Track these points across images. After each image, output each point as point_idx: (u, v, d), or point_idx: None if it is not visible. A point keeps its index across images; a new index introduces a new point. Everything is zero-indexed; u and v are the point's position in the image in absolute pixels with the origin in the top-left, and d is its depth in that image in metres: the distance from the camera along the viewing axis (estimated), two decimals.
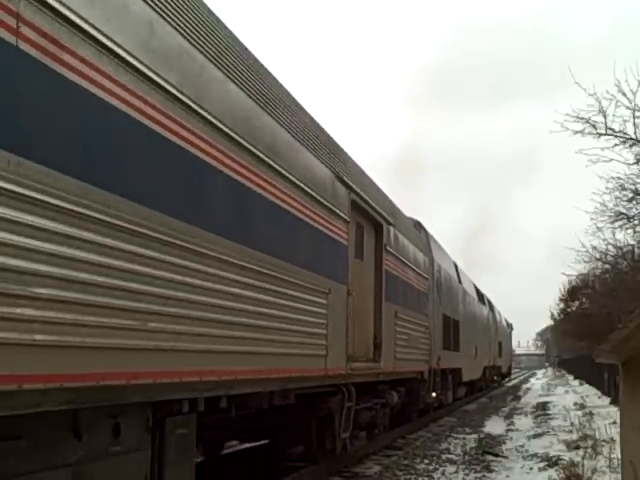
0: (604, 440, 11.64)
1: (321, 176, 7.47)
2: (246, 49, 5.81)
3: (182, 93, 4.50)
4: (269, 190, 5.96)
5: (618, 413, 7.41)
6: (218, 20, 5.27)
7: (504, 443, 13.54)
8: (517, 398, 29.54)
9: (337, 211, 7.95)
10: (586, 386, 34.52)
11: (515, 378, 56.63)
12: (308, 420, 8.20)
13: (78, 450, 3.84)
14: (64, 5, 3.42)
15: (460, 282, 20.57)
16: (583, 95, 13.92)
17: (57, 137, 3.41)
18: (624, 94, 13.69)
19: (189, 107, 4.58)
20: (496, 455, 11.73)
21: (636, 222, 17.55)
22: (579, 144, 16.48)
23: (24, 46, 3.18)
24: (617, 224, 17.66)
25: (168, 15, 4.43)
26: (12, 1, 3.12)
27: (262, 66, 6.15)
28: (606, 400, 22.55)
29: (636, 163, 15.38)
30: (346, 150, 8.83)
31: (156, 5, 4.29)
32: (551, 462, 10.52)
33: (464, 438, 14.06)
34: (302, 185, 6.75)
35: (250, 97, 5.66)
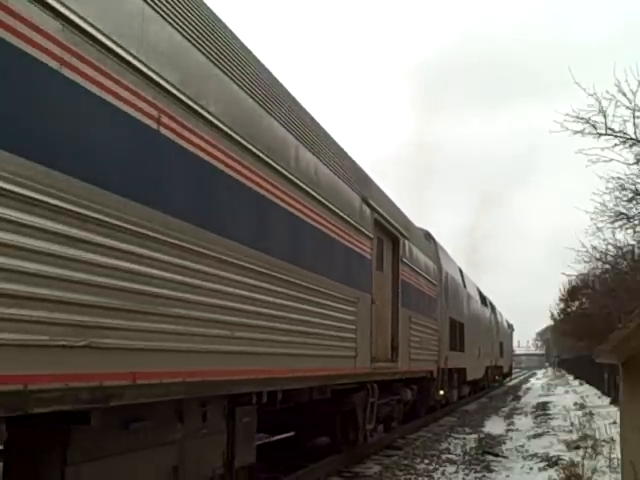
0: (604, 440, 11.64)
1: (351, 201, 8.71)
2: (289, 93, 6.79)
3: (249, 142, 5.48)
4: (314, 218, 7.14)
5: (618, 413, 7.42)
6: (277, 81, 6.44)
7: (504, 443, 13.54)
8: (517, 398, 29.55)
9: (363, 230, 9.13)
10: (586, 386, 34.52)
11: (515, 378, 57.23)
12: (334, 414, 9.15)
13: (181, 431, 5.01)
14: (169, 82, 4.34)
15: (465, 286, 21.73)
16: (583, 95, 13.91)
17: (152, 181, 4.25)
18: (624, 94, 13.68)
19: (255, 155, 5.57)
20: (496, 455, 11.74)
21: (636, 222, 17.55)
22: (579, 144, 16.45)
23: (164, 132, 4.29)
24: (617, 224, 17.64)
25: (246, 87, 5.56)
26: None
27: (302, 108, 7.17)
28: (606, 400, 22.55)
29: (636, 163, 15.37)
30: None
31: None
32: (551, 462, 10.52)
33: (464, 438, 14.07)
34: (338, 211, 7.95)
35: (295, 137, 6.70)
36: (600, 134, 14.28)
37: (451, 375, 17.80)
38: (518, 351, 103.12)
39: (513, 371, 55.79)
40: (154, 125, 4.21)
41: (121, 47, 3.87)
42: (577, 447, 11.74)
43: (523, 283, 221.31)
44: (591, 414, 17.51)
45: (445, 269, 17.34)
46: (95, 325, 3.61)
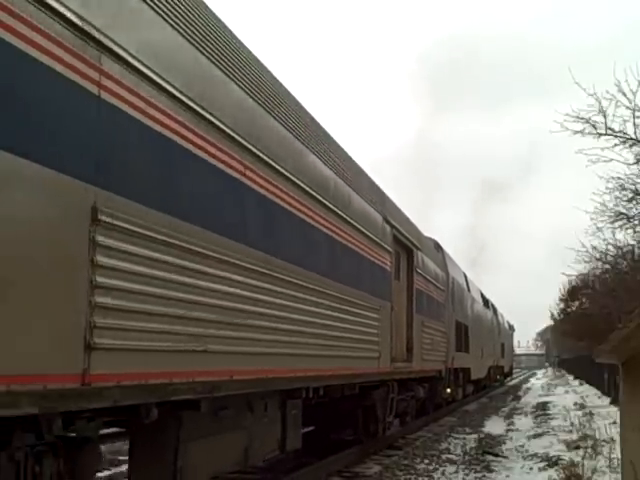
0: (604, 440, 11.65)
1: (375, 221, 9.92)
2: (327, 134, 8.03)
3: (301, 181, 6.69)
4: (348, 239, 8.38)
5: (618, 413, 7.41)
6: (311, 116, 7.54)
7: (504, 443, 13.55)
8: (517, 398, 29.55)
9: (385, 245, 10.28)
10: (586, 386, 34.53)
11: (515, 378, 57.78)
12: (356, 408, 10.24)
13: (250, 419, 6.18)
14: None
15: (469, 290, 23.01)
16: (583, 96, 13.91)
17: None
18: (624, 94, 13.68)
19: (289, 179, 6.39)
20: (496, 455, 11.74)
21: (636, 222, 17.55)
22: (579, 144, 16.44)
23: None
24: (617, 224, 17.65)
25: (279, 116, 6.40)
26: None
27: (339, 146, 8.46)
28: (606, 400, 22.55)
29: (636, 163, 15.37)
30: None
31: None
32: (551, 462, 10.52)
33: (464, 438, 14.07)
34: (365, 231, 9.10)
35: (333, 172, 7.88)
36: (600, 134, 14.30)
37: (457, 374, 18.81)
38: (518, 351, 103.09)
39: (513, 371, 56.84)
40: (243, 179, 5.41)
41: (231, 128, 5.17)
42: (577, 447, 11.74)
43: (523, 283, 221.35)
44: (591, 414, 17.52)
45: (452, 275, 18.55)
46: (208, 335, 4.77)
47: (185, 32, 4.66)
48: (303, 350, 6.67)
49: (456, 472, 10.07)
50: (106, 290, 3.72)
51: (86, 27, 3.60)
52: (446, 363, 16.21)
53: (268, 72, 6.23)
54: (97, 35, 3.68)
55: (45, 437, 3.73)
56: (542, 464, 10.56)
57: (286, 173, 6.31)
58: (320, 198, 7.28)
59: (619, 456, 6.49)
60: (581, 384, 38.15)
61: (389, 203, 11.10)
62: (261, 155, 5.74)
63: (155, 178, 4.24)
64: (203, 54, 4.88)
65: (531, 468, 10.43)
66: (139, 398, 4.15)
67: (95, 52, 3.69)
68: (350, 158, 9.03)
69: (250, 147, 5.51)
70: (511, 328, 48.75)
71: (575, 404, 22.33)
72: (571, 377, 50.92)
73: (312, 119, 7.51)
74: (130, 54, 3.96)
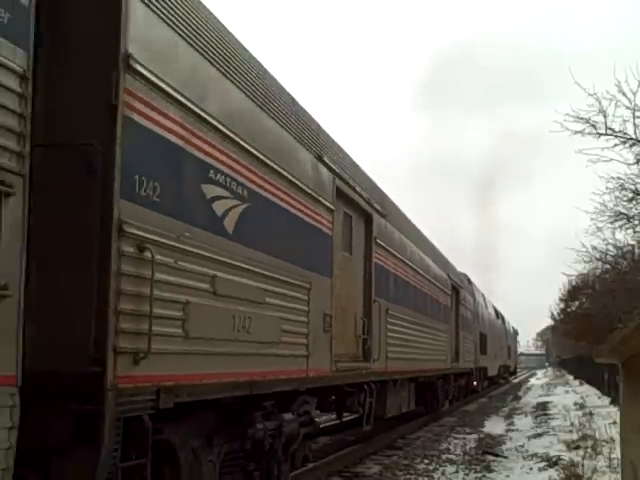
0: (604, 440, 11.65)
1: (441, 277, 16.13)
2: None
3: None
4: (418, 281, 12.89)
5: (618, 413, 7.41)
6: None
7: (504, 443, 13.55)
8: (517, 398, 29.55)
9: (444, 290, 16.54)
10: (586, 386, 34.50)
11: (519, 376, 61.24)
12: (424, 391, 15.11)
13: (404, 390, 12.13)
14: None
15: (486, 307, 29.40)
16: (582, 97, 13.92)
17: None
18: (624, 94, 13.69)
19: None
20: (496, 455, 11.74)
21: (636, 222, 17.55)
22: (579, 144, 16.43)
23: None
24: (617, 224, 17.66)
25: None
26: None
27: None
28: (606, 400, 22.54)
29: (636, 163, 15.37)
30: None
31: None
32: (551, 462, 10.51)
33: (464, 438, 14.07)
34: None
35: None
36: (600, 134, 14.30)
37: (479, 372, 24.91)
38: (518, 351, 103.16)
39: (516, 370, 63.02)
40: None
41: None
42: (577, 447, 11.74)
43: (523, 283, 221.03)
44: (591, 414, 17.50)
45: (477, 299, 25.15)
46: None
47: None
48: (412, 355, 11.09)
49: (456, 472, 10.07)
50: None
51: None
52: (475, 363, 22.78)
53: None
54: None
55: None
56: (542, 464, 10.55)
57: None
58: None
59: (619, 456, 6.49)
60: (581, 384, 38.13)
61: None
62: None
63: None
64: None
65: (531, 468, 10.42)
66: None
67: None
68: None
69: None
70: (515, 332, 56.05)
71: (575, 404, 22.32)
72: (571, 377, 50.90)
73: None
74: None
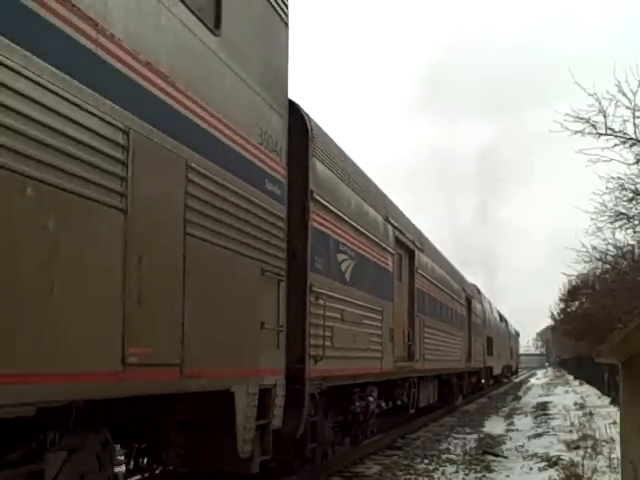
0: (604, 440, 11.64)
1: (457, 291, 19.22)
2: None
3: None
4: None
5: (618, 413, 7.41)
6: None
7: (504, 443, 13.54)
8: (517, 398, 29.55)
9: (460, 302, 20.08)
10: (586, 386, 34.52)
11: (520, 375, 63.28)
12: (440, 386, 17.13)
13: (430, 384, 15.30)
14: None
15: (492, 312, 32.91)
16: (582, 98, 13.91)
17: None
18: (624, 94, 13.68)
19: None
20: (496, 455, 11.74)
21: (636, 222, 17.54)
22: (579, 144, 16.43)
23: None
24: (617, 224, 17.64)
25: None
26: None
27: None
28: (606, 400, 22.54)
29: (636, 163, 15.36)
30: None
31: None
32: (551, 462, 10.51)
33: (464, 438, 14.07)
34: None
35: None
36: (600, 134, 14.30)
37: (486, 371, 28.52)
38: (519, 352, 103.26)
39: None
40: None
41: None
42: (577, 447, 11.74)
43: (523, 283, 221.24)
44: (591, 414, 17.51)
45: (485, 307, 28.72)
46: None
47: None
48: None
49: (456, 472, 10.07)
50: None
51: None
52: (483, 363, 26.25)
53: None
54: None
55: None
56: (542, 464, 10.55)
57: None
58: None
59: (619, 456, 6.49)
60: (581, 384, 38.14)
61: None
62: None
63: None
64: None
65: (531, 468, 10.42)
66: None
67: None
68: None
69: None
70: (517, 334, 60.32)
71: (575, 404, 22.32)
72: (571, 377, 50.92)
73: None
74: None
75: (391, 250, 10.96)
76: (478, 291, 27.05)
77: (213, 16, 5.02)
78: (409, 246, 12.70)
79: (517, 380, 54.05)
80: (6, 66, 3.03)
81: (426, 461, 10.92)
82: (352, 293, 8.63)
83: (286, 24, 6.42)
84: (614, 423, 12.77)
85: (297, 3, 7.37)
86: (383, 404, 12.26)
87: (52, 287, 3.26)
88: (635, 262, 21.71)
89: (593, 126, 14.21)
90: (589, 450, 11.01)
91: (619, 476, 6.37)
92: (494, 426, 16.95)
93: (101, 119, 3.65)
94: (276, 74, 6.25)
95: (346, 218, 8.56)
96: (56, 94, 3.33)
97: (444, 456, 11.52)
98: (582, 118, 14.20)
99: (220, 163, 4.96)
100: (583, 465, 9.15)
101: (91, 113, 3.57)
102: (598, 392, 27.28)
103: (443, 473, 9.97)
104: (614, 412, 14.99)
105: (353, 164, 9.58)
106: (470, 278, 26.40)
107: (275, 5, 6.18)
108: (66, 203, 3.37)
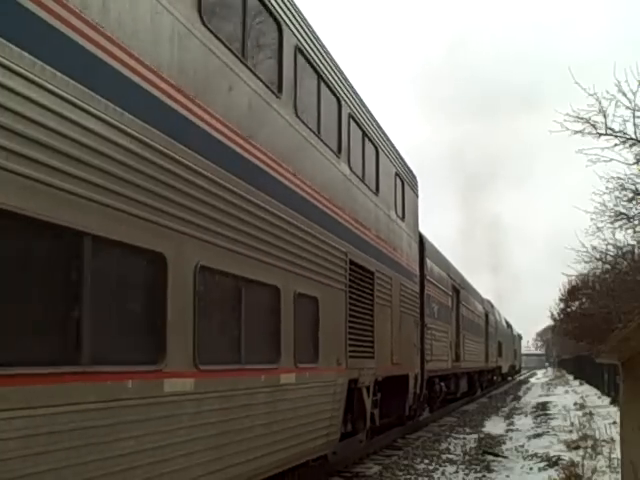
0: (604, 440, 11.65)
1: (480, 311, 28.15)
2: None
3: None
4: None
5: (618, 413, 7.42)
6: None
7: (504, 443, 13.55)
8: (517, 398, 29.57)
9: (481, 317, 28.88)
10: (586, 386, 34.53)
11: (522, 374, 67.46)
12: (469, 380, 24.44)
13: (462, 380, 23.71)
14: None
15: (500, 320, 39.09)
16: (582, 98, 13.90)
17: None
18: (624, 94, 13.67)
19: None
20: (496, 455, 11.74)
21: (636, 222, 17.56)
22: (579, 144, 16.43)
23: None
24: (617, 224, 17.66)
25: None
26: None
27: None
28: (606, 400, 22.56)
29: (636, 163, 15.36)
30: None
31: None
32: (551, 462, 10.52)
33: (464, 438, 14.08)
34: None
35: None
36: (600, 134, 14.29)
37: (497, 369, 35.82)
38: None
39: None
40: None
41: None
42: (577, 447, 11.75)
43: (523, 283, 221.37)
44: (591, 414, 17.52)
45: (495, 317, 35.01)
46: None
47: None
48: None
49: (456, 472, 10.07)
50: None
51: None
52: (495, 363, 33.13)
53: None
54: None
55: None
56: (542, 464, 10.56)
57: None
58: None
59: (619, 456, 6.49)
60: (581, 384, 38.15)
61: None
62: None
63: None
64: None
65: (531, 468, 10.43)
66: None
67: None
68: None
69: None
70: (520, 337, 67.50)
71: (575, 404, 22.34)
72: (571, 377, 50.94)
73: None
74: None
75: (450, 293, 18.90)
76: (491, 305, 34.54)
77: (401, 210, 12.12)
78: (456, 286, 20.86)
79: (518, 379, 56.64)
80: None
81: (426, 461, 10.93)
82: (437, 323, 16.00)
83: (417, 195, 13.77)
84: (614, 423, 12.77)
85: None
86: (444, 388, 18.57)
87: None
88: (635, 262, 21.71)
89: (593, 126, 14.21)
90: (589, 450, 11.02)
91: (619, 476, 6.37)
92: (494, 426, 16.96)
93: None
94: (415, 224, 13.44)
95: (436, 283, 16.17)
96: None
97: (444, 456, 11.53)
98: (582, 118, 14.20)
99: (404, 274, 11.99)
100: (583, 465, 9.15)
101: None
102: (598, 392, 27.29)
103: (443, 473, 9.97)
104: (614, 412, 15.00)
105: (438, 252, 17.49)
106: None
107: (416, 191, 13.59)
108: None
